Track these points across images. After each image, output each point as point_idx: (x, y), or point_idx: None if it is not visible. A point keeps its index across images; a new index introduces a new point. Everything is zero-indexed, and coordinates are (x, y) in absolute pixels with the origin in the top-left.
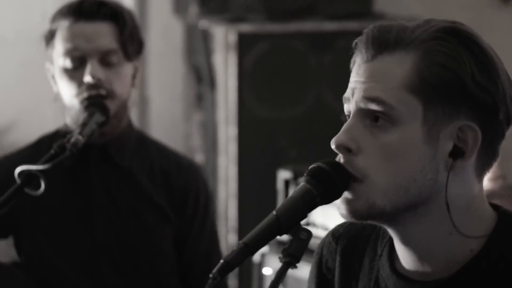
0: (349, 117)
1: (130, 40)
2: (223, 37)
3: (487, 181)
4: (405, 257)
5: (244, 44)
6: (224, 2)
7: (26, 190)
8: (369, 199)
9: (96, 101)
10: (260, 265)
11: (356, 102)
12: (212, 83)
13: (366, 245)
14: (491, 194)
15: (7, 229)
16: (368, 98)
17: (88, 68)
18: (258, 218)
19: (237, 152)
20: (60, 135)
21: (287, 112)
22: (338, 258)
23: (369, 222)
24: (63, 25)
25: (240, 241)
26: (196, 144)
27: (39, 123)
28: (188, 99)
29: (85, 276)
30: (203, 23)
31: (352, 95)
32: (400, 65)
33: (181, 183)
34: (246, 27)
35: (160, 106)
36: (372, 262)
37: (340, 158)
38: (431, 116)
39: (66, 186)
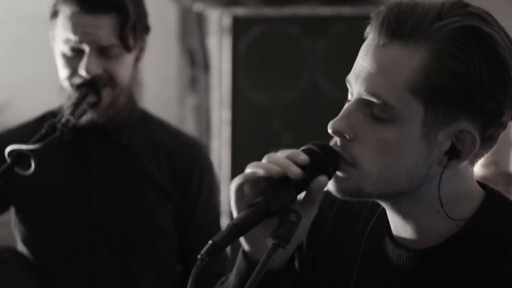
0: (351, 96)
1: (132, 32)
2: (217, 21)
3: (480, 167)
4: (395, 225)
5: (239, 28)
6: None
7: (16, 169)
8: (358, 184)
9: (90, 82)
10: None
11: (359, 91)
12: (206, 67)
13: (363, 208)
14: (484, 180)
15: (6, 202)
16: (371, 94)
17: (84, 62)
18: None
19: (230, 136)
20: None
21: (281, 96)
22: (333, 211)
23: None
24: (65, 12)
25: (228, 222)
26: (189, 127)
27: (32, 103)
28: (182, 82)
29: (79, 253)
30: (198, 6)
31: (356, 80)
32: (409, 61)
33: (185, 161)
34: (240, 11)
35: (154, 89)
36: (367, 222)
37: (335, 141)
38: (431, 118)
39: (65, 162)
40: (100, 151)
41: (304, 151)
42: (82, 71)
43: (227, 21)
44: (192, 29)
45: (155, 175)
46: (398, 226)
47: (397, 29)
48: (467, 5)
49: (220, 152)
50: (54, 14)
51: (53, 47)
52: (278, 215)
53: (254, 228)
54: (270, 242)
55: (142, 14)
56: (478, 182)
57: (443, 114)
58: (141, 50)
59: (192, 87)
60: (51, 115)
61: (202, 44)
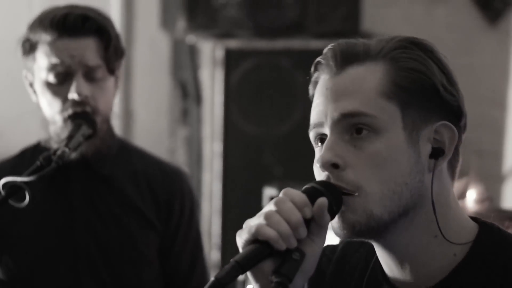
0: (320, 141)
1: (114, 54)
2: (210, 53)
3: (473, 203)
4: (390, 266)
5: (231, 60)
6: (212, 17)
7: (11, 202)
8: (366, 210)
9: (83, 114)
10: (244, 282)
11: (333, 120)
12: (198, 99)
13: (358, 260)
14: (478, 216)
15: None
16: (348, 114)
17: (74, 84)
18: None
19: (222, 169)
20: (42, 147)
21: (273, 129)
22: (331, 267)
23: (363, 239)
24: (46, 39)
25: (232, 259)
26: (180, 159)
27: (23, 134)
28: (173, 114)
29: (64, 286)
30: (190, 38)
31: (326, 116)
32: (372, 74)
33: (166, 190)
34: (233, 43)
35: (145, 120)
36: (364, 273)
37: (327, 177)
38: (409, 120)
39: (46, 196)
40: (82, 184)
41: (308, 189)
42: (73, 95)
43: (219, 53)
44: (184, 61)
45: (137, 205)
46: (394, 267)
47: (351, 52)
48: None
49: (211, 185)
50: (31, 48)
51: (28, 86)
52: (281, 253)
53: (260, 265)
54: (273, 280)
55: (118, 37)
56: (470, 216)
57: (418, 116)
58: (117, 78)
59: (184, 119)
60: (30, 150)
61: (194, 76)
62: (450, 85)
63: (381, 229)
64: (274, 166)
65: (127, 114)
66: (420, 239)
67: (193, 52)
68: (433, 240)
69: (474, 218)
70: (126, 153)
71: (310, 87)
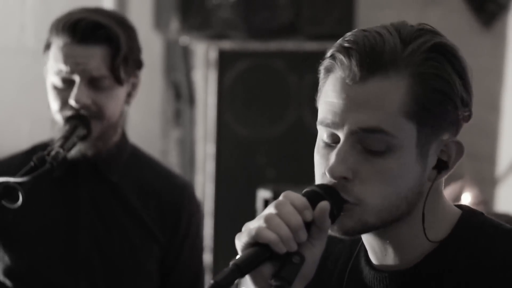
0: (331, 137)
1: (124, 64)
2: (203, 54)
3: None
4: (376, 253)
5: (225, 62)
6: (205, 19)
7: (4, 202)
8: (362, 219)
9: (78, 116)
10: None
11: (351, 131)
12: (191, 100)
13: (342, 250)
14: None
15: None
16: (368, 129)
17: (74, 92)
18: (233, 238)
19: (214, 170)
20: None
21: (266, 131)
22: None
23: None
24: (57, 43)
25: (231, 262)
26: (173, 161)
27: (14, 134)
28: (166, 115)
29: None
30: (184, 39)
31: (342, 121)
32: (397, 89)
33: (174, 205)
34: (227, 44)
35: (137, 122)
36: (347, 261)
37: (332, 183)
38: (422, 136)
39: (54, 198)
40: (90, 189)
41: (308, 192)
42: (71, 101)
43: (213, 54)
44: (177, 62)
45: (142, 216)
46: (379, 253)
47: (375, 62)
48: (416, 25)
49: (204, 186)
50: (47, 46)
51: (46, 81)
52: (280, 256)
53: (260, 268)
54: (272, 283)
55: (134, 48)
56: (458, 205)
57: (432, 131)
58: (134, 86)
59: (177, 121)
60: (42, 147)
61: (187, 78)
62: (467, 94)
63: (375, 229)
64: (267, 168)
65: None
66: (409, 234)
67: (186, 53)
68: (414, 238)
69: (459, 206)
70: (137, 162)
71: (322, 70)
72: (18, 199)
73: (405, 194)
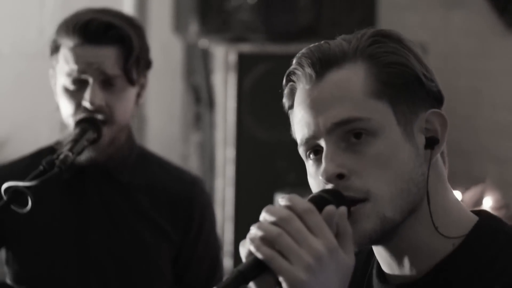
0: (314, 153)
1: (136, 65)
2: (223, 57)
3: (491, 210)
4: (390, 264)
5: (244, 65)
6: (225, 21)
7: (13, 207)
8: (379, 214)
9: (89, 119)
10: None
11: (327, 130)
12: (210, 104)
13: (359, 263)
14: None
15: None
16: (341, 122)
17: (88, 93)
18: None
19: (234, 174)
20: (56, 149)
21: (286, 134)
22: None
23: (375, 245)
24: (68, 44)
25: (235, 268)
26: (193, 165)
27: (33, 138)
28: (186, 119)
29: None
30: (203, 42)
31: (317, 128)
32: (355, 75)
33: (186, 201)
34: (246, 47)
35: (158, 125)
36: (364, 273)
37: (331, 186)
38: (401, 115)
39: (63, 200)
40: (99, 191)
41: (315, 198)
42: (86, 103)
43: (232, 57)
44: (197, 65)
45: (153, 216)
46: (394, 265)
47: (327, 59)
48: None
49: (224, 191)
50: (55, 49)
51: (53, 85)
52: None
53: (264, 275)
54: None
55: (144, 48)
56: (475, 211)
57: (408, 110)
58: (142, 87)
59: (197, 125)
60: (48, 151)
61: (207, 81)
62: (427, 71)
63: (393, 231)
64: (286, 171)
65: (140, 119)
66: (423, 234)
67: (205, 56)
68: (434, 233)
69: (479, 212)
70: (146, 162)
71: (286, 99)
72: (27, 203)
73: (409, 175)
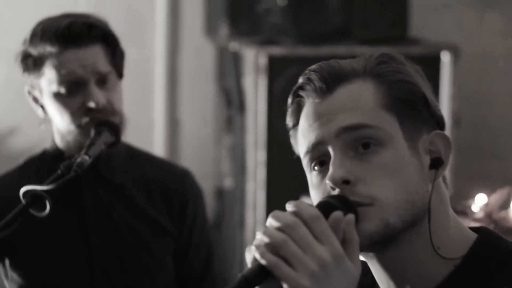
0: (320, 164)
1: (120, 57)
2: (253, 60)
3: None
4: (389, 285)
5: (275, 67)
6: (255, 24)
7: (31, 211)
8: (383, 219)
9: (106, 121)
10: None
11: (336, 134)
12: (241, 107)
13: (365, 284)
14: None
15: (1, 252)
16: (351, 127)
17: (90, 93)
18: None
19: (265, 178)
20: (48, 156)
21: None
22: None
23: (374, 250)
24: (53, 52)
25: (240, 274)
26: (225, 168)
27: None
28: (218, 122)
29: None
30: (234, 45)
31: (326, 134)
32: (366, 90)
33: (178, 193)
34: (276, 50)
35: (191, 128)
36: None
37: (340, 192)
38: (406, 131)
39: (59, 206)
40: (94, 194)
41: (322, 204)
42: (91, 104)
43: (263, 60)
44: (228, 68)
45: (150, 212)
46: (392, 286)
47: (338, 74)
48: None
49: (255, 194)
50: (36, 63)
51: (38, 100)
52: None
53: (270, 281)
54: None
55: (119, 41)
56: (474, 228)
57: (413, 127)
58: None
59: (228, 128)
60: (35, 161)
61: (237, 84)
62: (431, 94)
63: (393, 238)
64: None
65: (174, 122)
66: (422, 253)
67: (236, 59)
68: (433, 254)
69: (477, 229)
70: (135, 158)
71: (291, 116)
72: (42, 208)
73: (414, 188)
